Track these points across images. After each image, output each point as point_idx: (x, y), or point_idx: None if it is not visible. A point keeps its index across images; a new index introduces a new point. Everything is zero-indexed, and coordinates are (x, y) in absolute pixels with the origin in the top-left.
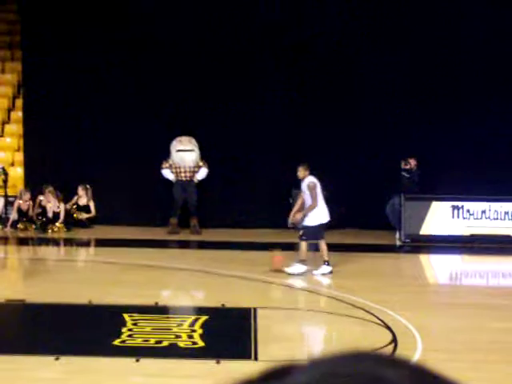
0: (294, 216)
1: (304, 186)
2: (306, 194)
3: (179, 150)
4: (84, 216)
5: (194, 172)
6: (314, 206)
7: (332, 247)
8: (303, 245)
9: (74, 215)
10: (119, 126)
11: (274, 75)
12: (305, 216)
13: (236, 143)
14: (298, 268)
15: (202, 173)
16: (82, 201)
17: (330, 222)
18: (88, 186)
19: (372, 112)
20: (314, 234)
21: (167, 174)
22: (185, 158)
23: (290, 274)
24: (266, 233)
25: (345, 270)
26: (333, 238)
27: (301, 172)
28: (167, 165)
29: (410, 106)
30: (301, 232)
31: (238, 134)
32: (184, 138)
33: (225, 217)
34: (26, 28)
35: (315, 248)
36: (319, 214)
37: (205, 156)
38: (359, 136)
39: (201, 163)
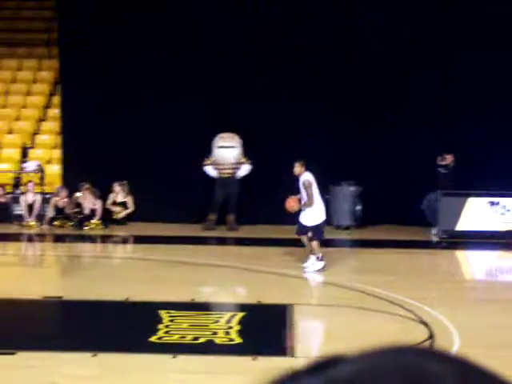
0: (289, 203)
1: (300, 183)
2: (302, 192)
3: (220, 147)
4: (122, 213)
5: (236, 169)
6: (309, 203)
7: (368, 243)
8: (315, 244)
9: (113, 212)
10: (158, 122)
11: (317, 72)
12: (301, 211)
13: (276, 140)
14: (317, 265)
15: (244, 170)
16: (119, 197)
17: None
18: (125, 183)
19: (409, 108)
20: (321, 231)
21: (209, 170)
22: (226, 154)
23: (310, 272)
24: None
25: (381, 266)
26: (369, 235)
27: (297, 168)
28: (209, 161)
29: (447, 101)
30: (309, 234)
31: (279, 131)
32: (226, 135)
33: (262, 213)
34: (63, 25)
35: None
36: (318, 212)
37: (248, 152)
38: (396, 132)
39: (243, 160)
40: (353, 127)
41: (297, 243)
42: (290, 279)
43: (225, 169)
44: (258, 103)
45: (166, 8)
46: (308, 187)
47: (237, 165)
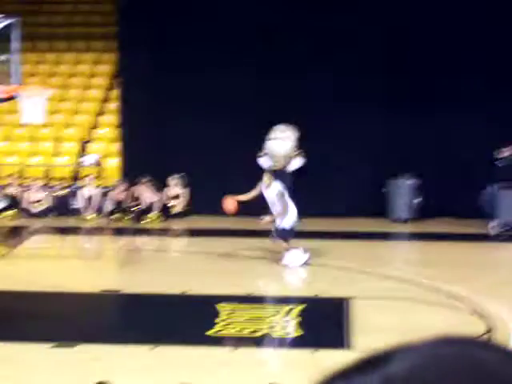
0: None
1: (273, 193)
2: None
3: (272, 139)
4: (179, 206)
5: (288, 162)
6: (284, 213)
7: (427, 236)
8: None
9: (171, 206)
10: (215, 115)
11: (372, 65)
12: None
13: (333, 133)
14: (300, 258)
15: (296, 163)
16: (176, 191)
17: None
18: (182, 176)
19: (467, 99)
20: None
21: (263, 162)
22: (276, 146)
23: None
24: (361, 222)
25: (439, 259)
26: (428, 228)
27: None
28: (263, 153)
29: (505, 91)
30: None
31: (335, 124)
32: (279, 127)
33: (321, 206)
34: (121, 19)
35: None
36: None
37: (303, 145)
38: (453, 124)
39: (295, 153)
40: (410, 119)
41: (360, 237)
42: (348, 272)
43: (276, 161)
44: (315, 95)
45: (219, 5)
46: (282, 197)
47: (289, 158)
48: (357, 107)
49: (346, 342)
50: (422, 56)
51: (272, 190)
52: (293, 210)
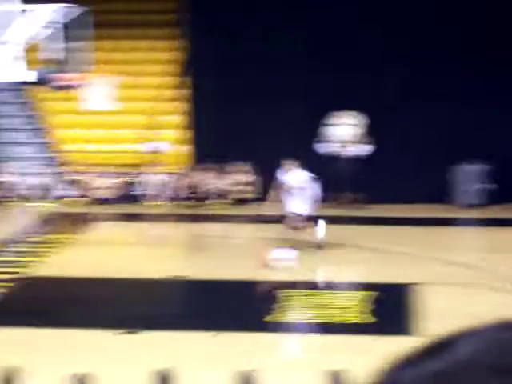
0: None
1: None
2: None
3: (337, 124)
4: (249, 193)
5: (356, 148)
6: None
7: (493, 222)
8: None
9: (238, 192)
10: (285, 101)
11: (443, 50)
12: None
13: (403, 119)
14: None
15: (364, 149)
16: (247, 177)
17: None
18: (250, 163)
19: None
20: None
21: (331, 147)
22: (342, 132)
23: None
24: (427, 208)
25: (504, 245)
26: (498, 213)
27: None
28: (332, 139)
29: None
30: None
31: (404, 110)
32: (345, 113)
33: (391, 192)
34: (194, 7)
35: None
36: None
37: (371, 132)
38: None
39: (362, 139)
40: (482, 104)
41: (425, 223)
42: (413, 258)
43: (342, 147)
44: (383, 82)
45: None
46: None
47: (355, 144)
48: (425, 96)
49: (414, 328)
50: (483, 49)
51: (298, 177)
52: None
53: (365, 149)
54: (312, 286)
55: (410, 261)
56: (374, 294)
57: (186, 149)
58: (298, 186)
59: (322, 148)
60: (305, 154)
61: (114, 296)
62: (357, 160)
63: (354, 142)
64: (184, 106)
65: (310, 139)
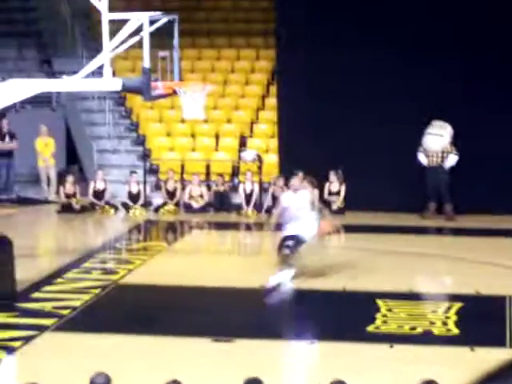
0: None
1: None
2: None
3: (429, 134)
4: (337, 202)
5: (443, 158)
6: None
7: None
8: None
9: (329, 202)
10: (372, 110)
11: None
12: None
13: (487, 128)
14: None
15: (451, 160)
16: (335, 187)
17: None
18: (340, 172)
19: None
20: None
21: (421, 158)
22: (432, 142)
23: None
24: None
25: None
26: None
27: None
28: (422, 149)
29: None
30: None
31: (490, 120)
32: (436, 123)
33: (478, 202)
34: (280, 15)
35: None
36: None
37: (458, 143)
38: None
39: (449, 149)
40: None
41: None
42: (510, 270)
43: (433, 156)
44: (470, 94)
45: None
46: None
47: (444, 154)
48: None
49: (507, 340)
50: None
51: (301, 197)
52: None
53: (451, 159)
54: (410, 295)
55: (502, 272)
56: (470, 304)
57: (277, 157)
58: (302, 208)
59: (421, 157)
60: (393, 165)
61: (207, 304)
62: (446, 170)
63: (442, 152)
64: (275, 115)
65: (398, 149)
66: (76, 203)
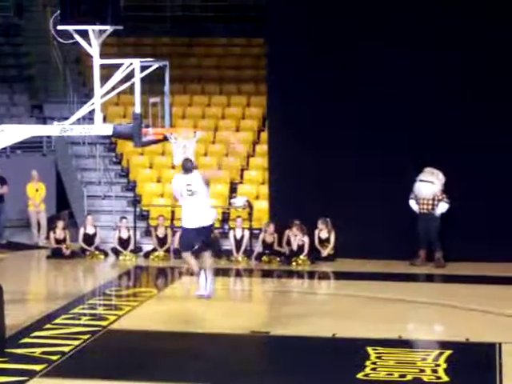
0: None
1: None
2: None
3: (420, 181)
4: (327, 249)
5: (434, 205)
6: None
7: None
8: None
9: (320, 249)
10: (364, 158)
11: None
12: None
13: (479, 174)
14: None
15: (442, 207)
16: (323, 234)
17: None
18: (328, 220)
19: None
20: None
21: (412, 204)
22: (423, 188)
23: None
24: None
25: None
26: None
27: None
28: (413, 195)
29: None
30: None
31: (481, 164)
32: (427, 170)
33: (470, 250)
34: (271, 62)
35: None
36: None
37: (448, 190)
38: None
39: (440, 197)
40: None
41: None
42: (500, 317)
43: (423, 204)
44: (463, 139)
45: (376, 36)
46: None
47: (435, 201)
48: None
49: None
50: None
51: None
52: None
53: (441, 207)
54: (399, 342)
55: (496, 319)
56: (460, 352)
57: (267, 204)
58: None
59: (412, 204)
60: (386, 213)
61: (198, 350)
62: (437, 217)
63: (433, 199)
64: (264, 161)
65: (391, 198)
66: (66, 248)
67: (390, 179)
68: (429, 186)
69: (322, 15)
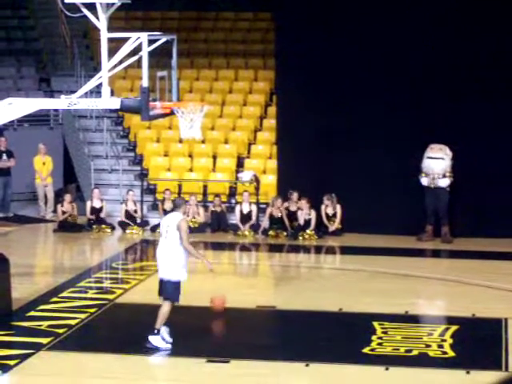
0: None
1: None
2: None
3: (428, 157)
4: (334, 224)
5: (444, 180)
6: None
7: None
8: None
9: (327, 223)
10: (370, 132)
11: None
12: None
13: (486, 152)
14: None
15: (444, 182)
16: (329, 210)
17: None
18: (333, 195)
19: None
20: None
21: (423, 180)
22: (432, 165)
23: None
24: None
25: None
26: None
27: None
28: (422, 173)
29: None
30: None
31: (490, 141)
32: (435, 146)
33: (477, 226)
34: (279, 36)
35: None
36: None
37: (456, 166)
38: None
39: (449, 172)
40: None
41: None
42: (506, 292)
43: (433, 179)
44: (470, 115)
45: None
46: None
47: (445, 177)
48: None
49: (503, 363)
50: None
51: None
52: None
53: (444, 181)
54: (406, 318)
55: (503, 294)
56: (466, 327)
57: (274, 178)
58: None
59: (422, 180)
60: (392, 187)
61: (204, 325)
62: (446, 192)
63: (441, 175)
64: (273, 136)
65: (396, 172)
66: (73, 221)
67: (397, 155)
68: (439, 163)
69: None
